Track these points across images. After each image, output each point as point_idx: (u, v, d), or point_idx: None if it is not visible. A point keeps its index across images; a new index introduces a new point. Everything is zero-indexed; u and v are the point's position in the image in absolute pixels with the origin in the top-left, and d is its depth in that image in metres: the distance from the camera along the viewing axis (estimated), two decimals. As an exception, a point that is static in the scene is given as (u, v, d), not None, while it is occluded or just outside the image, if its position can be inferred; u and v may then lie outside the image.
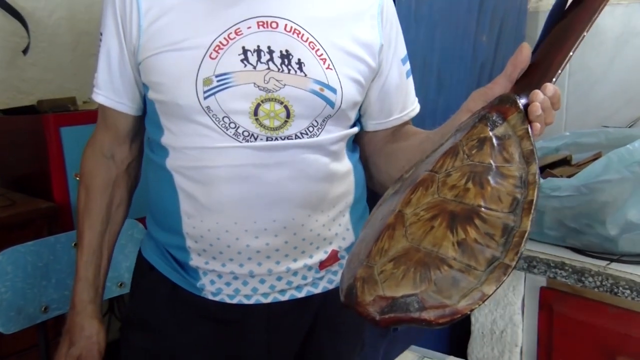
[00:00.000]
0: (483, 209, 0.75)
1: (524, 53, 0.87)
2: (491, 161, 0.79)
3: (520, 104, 0.82)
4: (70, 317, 1.13)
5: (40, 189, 2.05)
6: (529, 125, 0.81)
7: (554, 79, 0.84)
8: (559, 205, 1.39)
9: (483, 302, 0.68)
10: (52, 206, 1.97)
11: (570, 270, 1.36)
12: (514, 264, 0.70)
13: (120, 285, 1.66)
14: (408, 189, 0.83)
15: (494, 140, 0.81)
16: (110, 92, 1.07)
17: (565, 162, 1.61)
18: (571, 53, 0.85)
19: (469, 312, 0.68)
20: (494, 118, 0.83)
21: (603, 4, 0.87)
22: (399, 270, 0.73)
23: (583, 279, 1.34)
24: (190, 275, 1.08)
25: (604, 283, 1.31)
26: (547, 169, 1.58)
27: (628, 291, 1.28)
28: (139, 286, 1.18)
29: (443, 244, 0.73)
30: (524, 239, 0.71)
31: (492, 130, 0.82)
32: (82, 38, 2.34)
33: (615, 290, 1.29)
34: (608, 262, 1.34)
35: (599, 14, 0.87)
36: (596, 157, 1.52)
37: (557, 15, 0.91)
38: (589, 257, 1.38)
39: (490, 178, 0.77)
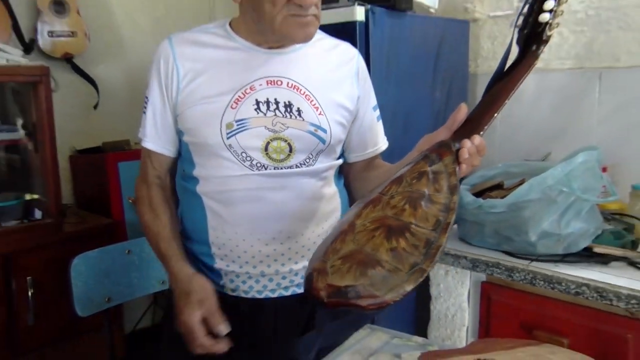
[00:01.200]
0: (413, 225, 0.76)
1: (462, 111, 0.90)
2: (425, 190, 0.80)
3: (453, 149, 0.84)
4: (178, 282, 1.01)
5: (103, 209, 2.08)
6: (457, 166, 0.83)
7: (481, 133, 0.86)
8: (495, 220, 1.39)
9: (404, 296, 0.70)
10: (111, 222, 2.01)
11: (503, 268, 1.35)
12: (429, 269, 0.72)
13: (162, 282, 1.67)
14: (362, 205, 0.84)
15: (430, 174, 0.82)
16: (157, 140, 1.07)
17: (499, 186, 1.59)
18: (496, 114, 0.87)
19: (392, 303, 0.69)
20: (432, 157, 0.85)
21: (521, 80, 0.89)
22: (345, 267, 0.74)
23: (512, 275, 1.34)
24: (214, 275, 1.07)
25: (526, 277, 1.31)
26: (486, 192, 1.56)
27: (542, 282, 1.29)
28: None
29: (380, 249, 0.75)
30: (439, 251, 0.73)
31: (430, 166, 0.83)
32: (135, 96, 2.35)
33: (534, 282, 1.30)
34: (529, 261, 1.34)
35: (518, 87, 0.88)
36: (521, 183, 1.49)
37: (496, 79, 0.92)
38: (517, 258, 1.37)
39: (422, 202, 0.78)
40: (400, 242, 0.75)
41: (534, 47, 0.89)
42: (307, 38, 1.01)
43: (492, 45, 2.09)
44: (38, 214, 1.87)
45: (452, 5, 2.15)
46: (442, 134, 0.91)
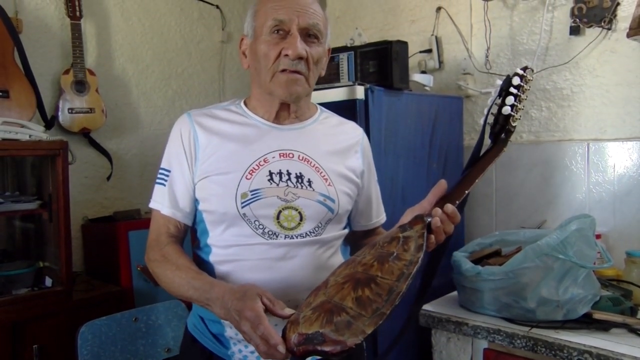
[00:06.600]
0: (379, 278, 0.81)
1: (441, 186, 0.95)
2: (394, 250, 0.86)
3: (425, 219, 0.90)
4: (227, 297, 0.90)
5: (112, 277, 2.06)
6: (426, 231, 0.87)
7: (456, 203, 0.92)
8: (494, 287, 1.38)
9: (364, 338, 0.73)
10: (120, 290, 1.98)
11: (504, 335, 1.34)
12: (388, 312, 0.76)
13: (167, 350, 1.65)
14: (339, 266, 0.91)
15: (401, 239, 0.88)
16: (177, 209, 1.08)
17: (496, 254, 1.59)
18: (467, 191, 0.94)
19: (353, 346, 0.73)
20: (406, 226, 0.90)
21: (492, 163, 0.97)
22: (314, 315, 0.79)
23: (513, 341, 1.32)
24: (223, 345, 1.06)
25: (527, 344, 1.29)
26: (484, 259, 1.55)
27: (544, 349, 1.27)
28: (185, 355, 1.15)
29: (346, 299, 0.80)
30: (399, 296, 0.77)
31: (402, 232, 0.89)
32: (147, 168, 2.41)
33: (536, 349, 1.28)
34: (530, 328, 1.33)
35: (489, 168, 0.97)
36: (518, 250, 1.50)
37: (472, 161, 1.00)
38: (517, 324, 1.36)
39: (390, 259, 0.84)
40: (365, 291, 0.80)
41: (503, 136, 0.99)
42: (291, 95, 1.06)
43: (485, 120, 2.16)
44: (48, 281, 1.86)
45: (446, 83, 2.26)
46: (423, 206, 0.96)
